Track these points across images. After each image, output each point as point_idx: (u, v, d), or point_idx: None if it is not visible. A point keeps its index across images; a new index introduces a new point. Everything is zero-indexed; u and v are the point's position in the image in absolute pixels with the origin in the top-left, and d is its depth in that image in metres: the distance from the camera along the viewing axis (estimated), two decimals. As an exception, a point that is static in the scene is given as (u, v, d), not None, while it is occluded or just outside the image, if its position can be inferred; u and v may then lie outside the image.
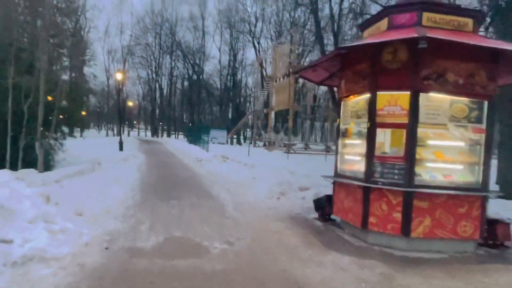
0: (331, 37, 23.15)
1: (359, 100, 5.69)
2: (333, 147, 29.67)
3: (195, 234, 5.29)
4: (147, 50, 57.89)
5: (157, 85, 60.36)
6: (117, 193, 7.91)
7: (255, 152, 23.07)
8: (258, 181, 9.92)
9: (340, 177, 6.01)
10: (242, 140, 49.08)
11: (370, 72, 5.27)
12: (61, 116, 16.83)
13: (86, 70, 30.38)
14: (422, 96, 4.96)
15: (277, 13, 46.33)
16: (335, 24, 15.62)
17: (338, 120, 6.40)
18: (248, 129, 51.19)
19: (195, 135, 31.43)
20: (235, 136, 44.82)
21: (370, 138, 5.22)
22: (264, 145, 34.02)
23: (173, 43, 56.09)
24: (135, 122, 76.26)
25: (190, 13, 55.57)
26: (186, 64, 56.50)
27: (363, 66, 5.43)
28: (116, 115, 45.64)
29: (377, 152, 5.22)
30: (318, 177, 9.88)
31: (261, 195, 8.35)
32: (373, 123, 5.20)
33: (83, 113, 39.47)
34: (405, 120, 4.98)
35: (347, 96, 5.98)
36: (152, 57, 58.38)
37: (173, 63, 58.06)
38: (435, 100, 5.09)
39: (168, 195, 8.28)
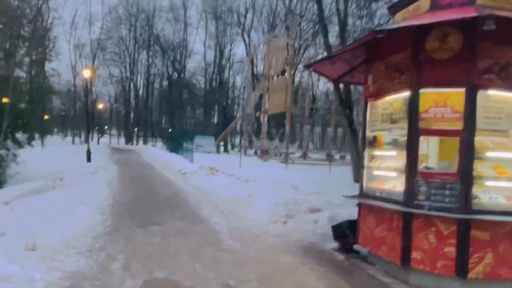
0: (333, 30, 22.83)
1: (394, 100, 5.04)
2: (336, 157, 29.33)
3: (183, 275, 4.61)
4: (120, 45, 57.08)
5: (131, 85, 59.45)
6: (82, 217, 7.24)
7: (247, 162, 22.41)
8: (256, 199, 9.34)
9: (368, 197, 5.35)
10: (230, 148, 48.38)
11: (410, 64, 4.64)
12: (19, 121, 15.97)
13: (48, 66, 29.37)
14: (480, 95, 4.35)
15: (270, 2, 45.95)
16: (342, 13, 15.14)
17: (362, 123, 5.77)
18: (237, 135, 50.59)
19: (177, 142, 30.70)
20: (222, 144, 44.09)
21: (411, 148, 4.58)
22: (255, 153, 33.33)
23: (150, 36, 55.43)
24: (106, 127, 74.86)
25: (170, 2, 54.75)
26: (165, 61, 55.85)
27: (400, 57, 4.80)
28: (83, 119, 44.53)
29: (420, 167, 4.59)
30: (329, 194, 9.32)
31: (262, 218, 7.71)
32: (415, 129, 4.57)
33: (45, 117, 38.38)
34: (458, 125, 4.36)
35: (377, 95, 5.35)
36: (126, 52, 57.57)
37: (150, 60, 57.37)
38: (495, 100, 4.47)
39: (147, 219, 7.62)
